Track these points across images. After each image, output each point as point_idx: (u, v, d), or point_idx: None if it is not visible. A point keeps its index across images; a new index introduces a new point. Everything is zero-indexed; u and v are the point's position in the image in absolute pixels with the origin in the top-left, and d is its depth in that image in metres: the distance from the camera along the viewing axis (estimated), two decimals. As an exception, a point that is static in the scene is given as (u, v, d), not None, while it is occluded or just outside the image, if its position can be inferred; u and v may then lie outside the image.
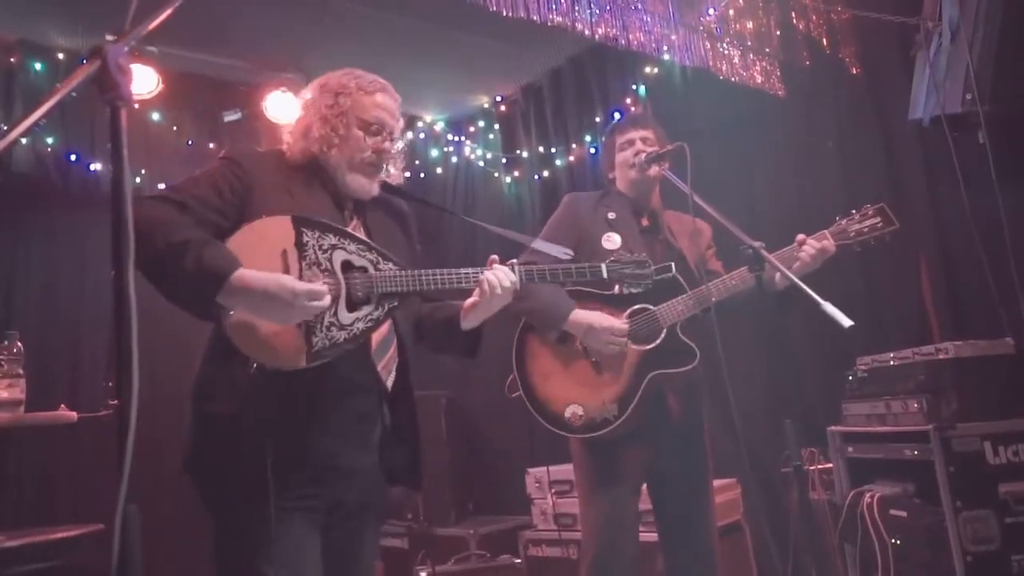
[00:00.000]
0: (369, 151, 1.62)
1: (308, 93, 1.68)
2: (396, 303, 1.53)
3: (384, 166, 1.67)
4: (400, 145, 1.73)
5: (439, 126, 4.97)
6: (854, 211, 2.14)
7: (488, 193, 4.86)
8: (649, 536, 2.36)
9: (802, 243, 2.08)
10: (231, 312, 1.40)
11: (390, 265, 1.53)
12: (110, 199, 0.86)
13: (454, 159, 4.97)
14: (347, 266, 1.50)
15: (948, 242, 2.96)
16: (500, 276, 1.58)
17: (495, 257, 1.64)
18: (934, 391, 2.29)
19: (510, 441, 4.33)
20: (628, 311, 2.17)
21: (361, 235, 1.61)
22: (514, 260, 1.65)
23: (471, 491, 4.21)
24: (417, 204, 1.87)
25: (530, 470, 3.54)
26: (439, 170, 4.98)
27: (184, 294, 1.39)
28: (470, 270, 1.59)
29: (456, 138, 4.94)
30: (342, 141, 1.61)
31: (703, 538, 2.19)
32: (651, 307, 2.15)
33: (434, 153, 4.96)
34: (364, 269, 1.51)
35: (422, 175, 4.94)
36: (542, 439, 3.84)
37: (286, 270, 1.45)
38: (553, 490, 3.37)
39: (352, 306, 1.48)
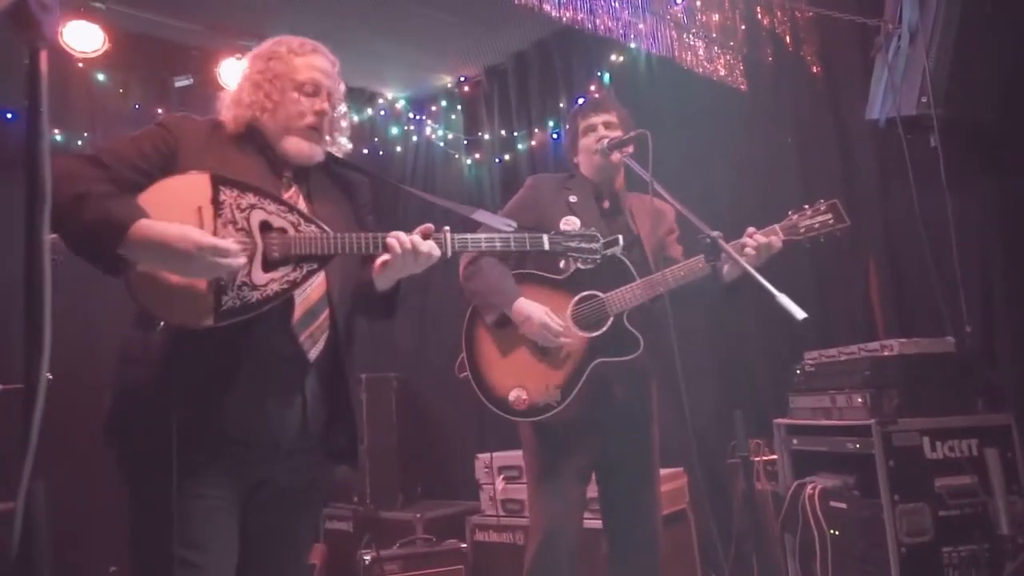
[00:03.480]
0: (309, 114, 1.56)
1: (243, 66, 1.64)
2: (315, 266, 1.46)
3: (325, 130, 1.60)
4: (343, 109, 1.65)
5: (400, 104, 4.86)
6: (806, 206, 2.13)
7: (448, 174, 4.80)
8: (595, 523, 2.36)
9: (751, 235, 2.07)
10: (136, 266, 1.35)
11: (312, 228, 1.46)
12: (25, 156, 0.79)
13: (415, 138, 4.88)
14: (266, 226, 1.43)
15: (897, 242, 3.03)
16: (417, 242, 1.51)
17: (430, 226, 1.57)
18: (877, 387, 2.34)
19: (461, 425, 4.30)
20: (577, 297, 2.15)
21: (300, 203, 1.54)
22: (447, 228, 1.59)
23: (420, 475, 4.16)
24: (365, 176, 1.79)
25: (479, 455, 3.52)
26: (399, 148, 4.88)
27: (85, 246, 1.33)
28: (395, 233, 1.53)
29: (417, 117, 4.85)
30: (276, 105, 1.55)
31: (647, 526, 2.20)
32: (600, 294, 2.14)
33: (394, 131, 4.86)
34: (283, 230, 1.44)
35: (381, 152, 4.83)
36: (492, 424, 3.81)
37: (200, 227, 1.39)
38: (501, 476, 3.35)
39: (268, 266, 1.41)
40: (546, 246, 1.64)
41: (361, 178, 1.76)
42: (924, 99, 2.68)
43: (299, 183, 1.59)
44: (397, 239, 1.51)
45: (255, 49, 1.64)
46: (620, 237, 1.77)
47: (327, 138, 1.62)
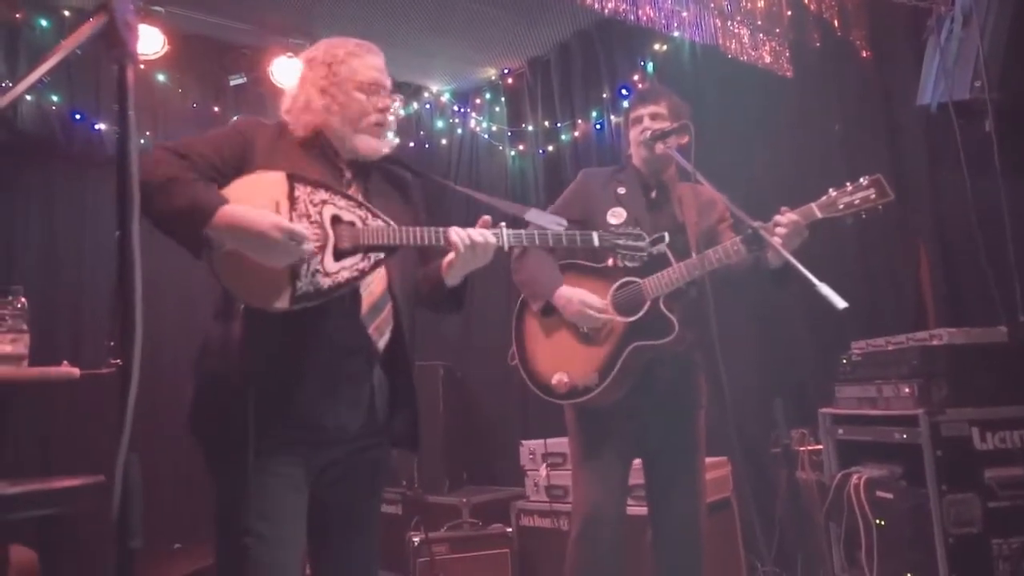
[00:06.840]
0: (373, 112, 1.67)
1: (300, 71, 1.74)
2: (382, 256, 1.57)
3: (389, 125, 1.71)
4: (396, 105, 1.76)
5: (445, 97, 4.94)
6: (848, 183, 2.04)
7: (492, 166, 4.85)
8: (640, 509, 2.40)
9: (783, 213, 2.02)
10: (221, 248, 1.46)
11: (379, 222, 1.58)
12: (116, 158, 0.88)
13: (459, 131, 4.95)
14: (336, 220, 1.55)
15: (948, 229, 2.97)
16: (473, 233, 1.62)
17: (487, 218, 1.67)
18: (926, 376, 2.31)
19: (506, 412, 4.38)
20: (617, 283, 2.21)
21: (359, 198, 1.65)
22: (503, 223, 1.67)
23: (466, 461, 4.25)
24: (415, 174, 1.88)
25: (524, 442, 3.59)
26: (444, 141, 4.96)
27: (174, 226, 1.45)
28: (453, 228, 1.63)
29: (462, 110, 4.92)
30: (343, 107, 1.65)
31: (689, 513, 2.23)
32: (637, 280, 2.18)
33: (440, 124, 4.95)
34: (352, 224, 1.56)
35: (427, 145, 4.93)
36: (536, 411, 3.88)
37: None
38: (546, 462, 3.41)
39: (338, 256, 1.53)
40: (596, 243, 1.71)
41: (411, 176, 1.86)
42: (978, 83, 2.62)
43: (359, 182, 1.70)
44: (456, 233, 1.61)
45: (309, 52, 1.75)
46: (665, 235, 1.82)
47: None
